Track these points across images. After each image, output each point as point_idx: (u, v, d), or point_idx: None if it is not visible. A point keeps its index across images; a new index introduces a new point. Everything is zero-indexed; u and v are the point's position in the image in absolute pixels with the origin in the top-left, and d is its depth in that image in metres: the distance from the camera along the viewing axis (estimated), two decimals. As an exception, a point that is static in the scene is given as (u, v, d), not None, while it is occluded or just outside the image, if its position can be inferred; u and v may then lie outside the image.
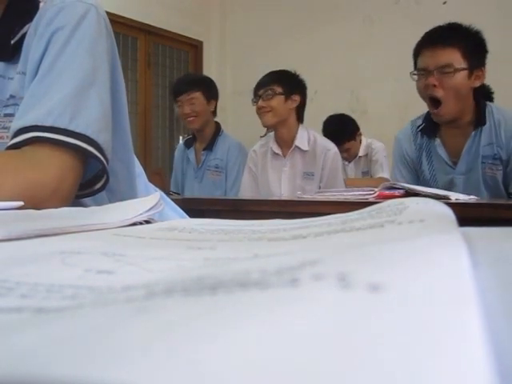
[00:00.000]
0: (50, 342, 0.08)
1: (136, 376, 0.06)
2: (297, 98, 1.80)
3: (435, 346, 0.07)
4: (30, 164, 0.52)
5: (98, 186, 0.60)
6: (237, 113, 4.13)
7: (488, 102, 1.39)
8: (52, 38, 0.59)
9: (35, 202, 0.47)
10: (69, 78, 0.57)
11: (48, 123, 0.53)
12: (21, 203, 0.42)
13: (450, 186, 1.38)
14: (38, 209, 0.41)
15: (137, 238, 0.26)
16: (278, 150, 1.86)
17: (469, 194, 1.18)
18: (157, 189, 0.79)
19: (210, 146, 2.10)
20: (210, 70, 4.11)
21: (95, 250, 0.21)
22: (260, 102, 1.80)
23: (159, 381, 0.06)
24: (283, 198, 1.51)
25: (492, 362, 0.07)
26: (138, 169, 0.75)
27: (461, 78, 1.30)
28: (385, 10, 3.41)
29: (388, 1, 3.42)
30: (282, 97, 1.78)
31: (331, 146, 1.82)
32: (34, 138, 0.53)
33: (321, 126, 2.44)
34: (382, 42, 3.35)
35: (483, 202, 1.03)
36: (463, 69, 1.29)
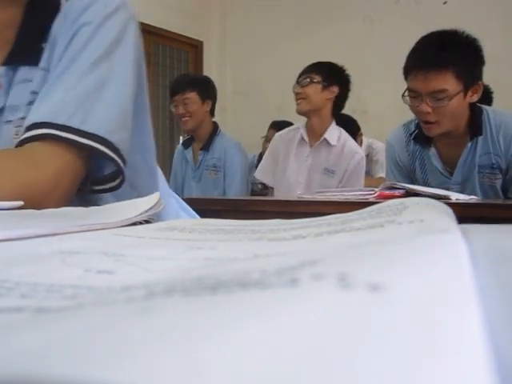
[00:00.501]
0: (50, 342, 0.08)
1: (136, 376, 0.06)
2: (335, 89, 1.78)
3: (435, 345, 0.07)
4: (27, 163, 0.52)
5: (113, 184, 0.59)
6: (237, 113, 4.13)
7: (484, 107, 1.32)
8: (77, 33, 0.57)
9: (33, 200, 0.47)
10: (86, 76, 0.56)
11: (60, 121, 0.53)
12: (21, 203, 0.42)
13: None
14: (37, 208, 0.41)
15: (137, 237, 0.26)
16: (305, 137, 1.84)
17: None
18: (172, 193, 0.79)
19: (206, 146, 2.11)
20: (210, 69, 4.11)
21: (95, 250, 0.21)
22: (297, 89, 1.79)
23: (159, 381, 0.06)
24: (283, 197, 1.51)
25: (492, 361, 0.07)
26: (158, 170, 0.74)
27: (456, 101, 1.21)
28: (385, 9, 3.41)
29: (388, 1, 3.42)
30: (320, 86, 1.76)
31: (359, 151, 1.82)
32: (44, 135, 0.52)
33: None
34: (382, 42, 3.35)
35: (483, 202, 1.03)
36: (458, 92, 1.21)
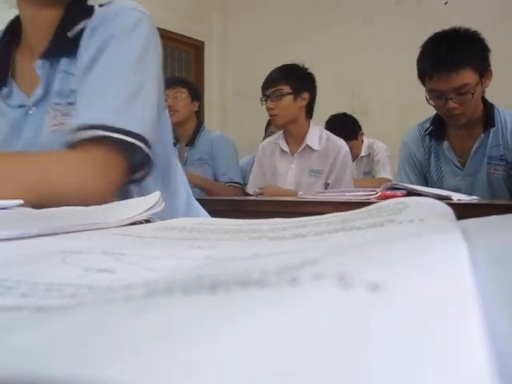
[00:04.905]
0: (50, 340, 0.08)
1: (135, 375, 0.06)
2: (306, 95, 1.76)
3: (435, 345, 0.07)
4: (91, 172, 0.56)
5: (139, 175, 0.64)
6: (237, 113, 4.12)
7: (496, 106, 1.41)
8: (105, 44, 0.62)
9: (88, 199, 0.50)
10: (128, 79, 0.61)
11: (112, 123, 0.57)
12: (21, 202, 0.42)
13: (456, 189, 1.39)
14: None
15: (137, 237, 0.26)
16: (285, 148, 1.83)
17: (471, 195, 1.19)
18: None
19: (191, 141, 2.16)
20: (211, 70, 4.11)
21: (95, 250, 0.21)
22: (268, 103, 1.77)
23: (159, 380, 0.06)
24: (283, 198, 1.51)
25: (492, 361, 0.07)
26: (182, 177, 0.80)
27: (477, 91, 1.31)
28: (386, 9, 3.41)
29: (389, 1, 3.42)
30: (291, 96, 1.74)
31: (343, 145, 1.80)
32: (101, 137, 0.56)
33: (322, 126, 2.44)
34: (383, 42, 3.35)
35: (484, 203, 1.03)
36: (477, 83, 1.30)
